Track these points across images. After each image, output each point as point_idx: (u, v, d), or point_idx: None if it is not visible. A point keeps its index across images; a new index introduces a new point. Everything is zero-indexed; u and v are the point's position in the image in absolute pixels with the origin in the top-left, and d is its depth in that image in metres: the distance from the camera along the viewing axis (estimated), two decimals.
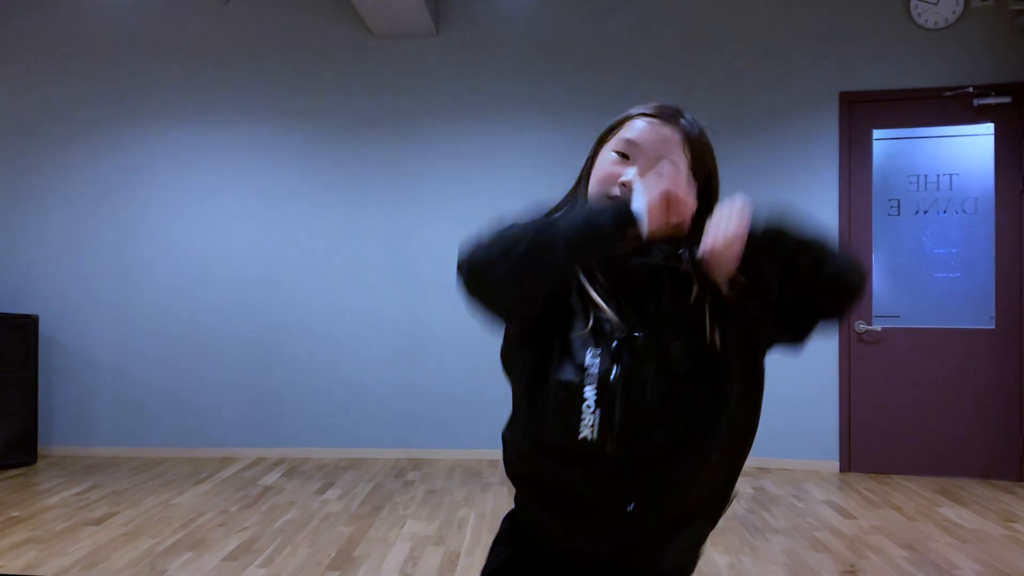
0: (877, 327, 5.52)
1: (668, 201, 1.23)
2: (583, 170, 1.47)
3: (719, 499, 1.42)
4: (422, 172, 5.83)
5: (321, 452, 5.86)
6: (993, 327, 5.39)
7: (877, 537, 4.16)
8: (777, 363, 5.10)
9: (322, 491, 4.98)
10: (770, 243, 1.25)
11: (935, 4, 5.45)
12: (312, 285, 5.91)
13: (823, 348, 5.56)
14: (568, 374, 1.29)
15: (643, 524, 1.32)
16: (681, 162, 1.38)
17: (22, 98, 6.06)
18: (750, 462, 5.46)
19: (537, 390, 1.33)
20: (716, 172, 1.45)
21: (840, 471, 5.56)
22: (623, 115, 1.44)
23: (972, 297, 5.45)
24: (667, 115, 1.41)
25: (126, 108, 6.02)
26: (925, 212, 5.52)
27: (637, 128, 1.40)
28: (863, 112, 5.58)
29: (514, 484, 1.46)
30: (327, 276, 5.91)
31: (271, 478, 5.30)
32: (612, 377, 1.27)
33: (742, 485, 5.03)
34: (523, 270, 1.24)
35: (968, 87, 5.39)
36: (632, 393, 1.28)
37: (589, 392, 1.28)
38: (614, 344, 1.29)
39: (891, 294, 5.58)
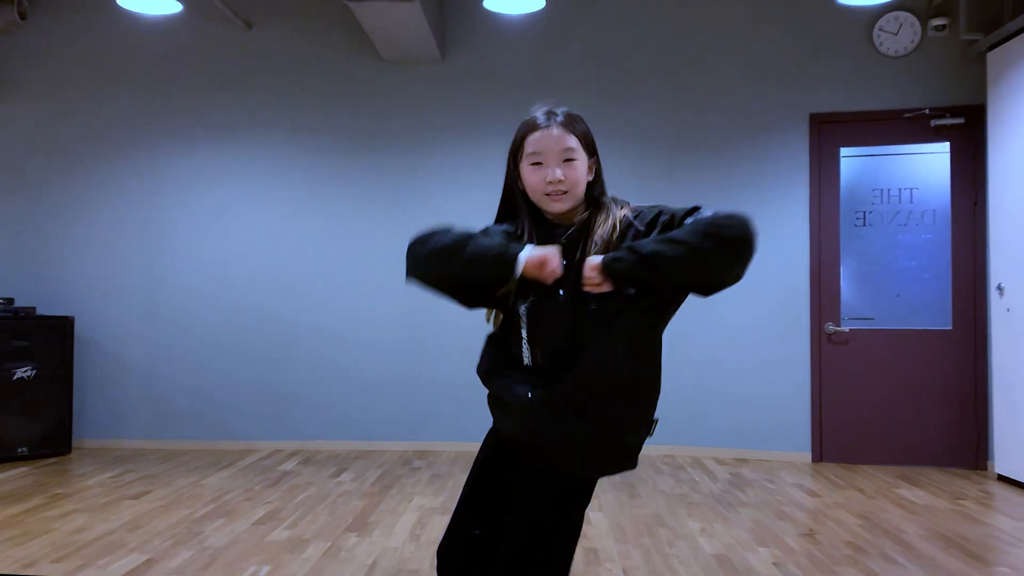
0: (845, 328, 6.01)
1: (543, 266, 1.82)
2: (506, 182, 2.05)
3: (621, 397, 1.89)
4: (426, 187, 6.34)
5: (333, 444, 6.34)
6: (951, 328, 5.88)
7: (838, 511, 4.63)
8: (754, 364, 5.71)
9: (336, 475, 5.45)
10: (644, 277, 1.81)
11: (895, 34, 5.98)
12: (324, 290, 6.41)
13: (796, 348, 6.05)
14: (513, 321, 1.93)
15: (545, 409, 1.85)
16: (576, 146, 1.92)
17: (59, 117, 6.59)
18: (730, 453, 5.97)
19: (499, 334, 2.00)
20: (591, 135, 2.02)
21: (812, 461, 6.03)
22: (518, 134, 1.99)
23: (931, 301, 5.94)
24: (548, 119, 1.95)
25: (154, 126, 6.55)
26: (888, 223, 6.03)
27: (535, 141, 1.93)
28: (831, 131, 6.11)
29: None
30: (338, 282, 6.41)
31: (289, 465, 5.77)
32: (536, 320, 1.89)
33: (720, 472, 5.53)
34: (436, 266, 1.89)
35: (925, 109, 5.91)
36: (548, 328, 1.88)
37: (524, 333, 1.92)
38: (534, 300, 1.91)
39: (858, 298, 6.07)
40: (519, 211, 2.01)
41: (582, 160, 1.94)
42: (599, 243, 1.88)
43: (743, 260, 1.82)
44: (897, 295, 6.02)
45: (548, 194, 1.91)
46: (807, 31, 6.15)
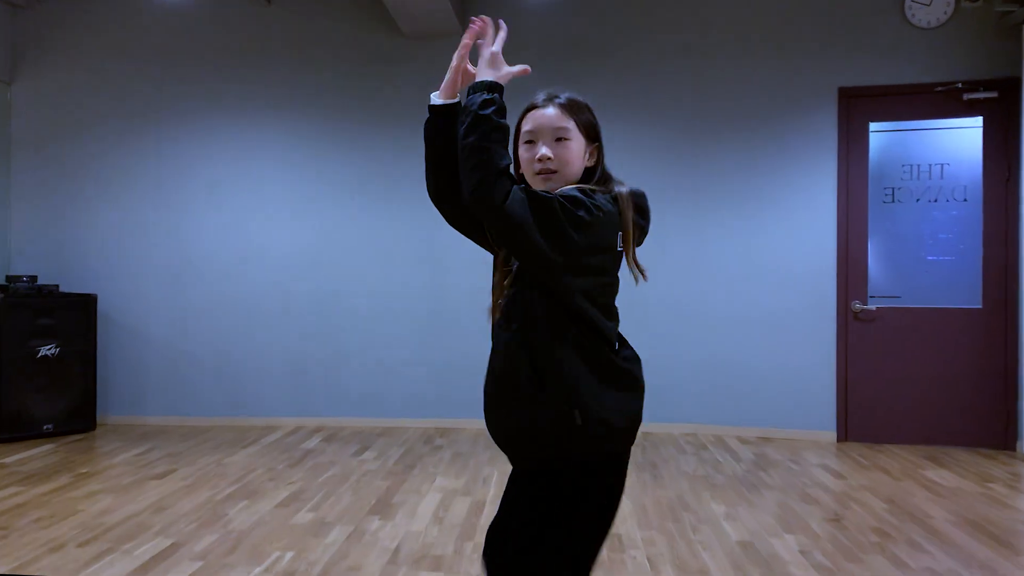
0: (872, 307, 5.92)
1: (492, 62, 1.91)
2: (514, 162, 1.97)
3: (514, 387, 1.83)
4: None
5: (356, 421, 6.35)
6: (980, 306, 5.78)
7: (863, 493, 4.59)
8: (779, 342, 5.64)
9: (359, 453, 5.46)
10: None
11: (928, 4, 5.83)
12: (348, 269, 6.38)
13: (821, 326, 5.97)
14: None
15: (487, 382, 1.89)
16: (571, 127, 1.87)
17: (79, 94, 6.56)
18: (753, 432, 5.93)
19: None
20: (595, 118, 1.95)
21: (837, 440, 5.98)
22: (520, 115, 1.94)
23: (961, 279, 5.84)
24: (547, 101, 1.91)
25: (175, 103, 6.51)
26: (918, 200, 5.91)
27: (530, 119, 1.90)
28: (860, 106, 5.98)
29: None
30: (361, 260, 6.38)
31: (312, 443, 5.78)
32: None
33: (744, 452, 5.49)
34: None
35: (958, 83, 5.77)
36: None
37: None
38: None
39: (886, 276, 5.98)
40: None
41: (577, 142, 1.88)
42: None
43: (475, 186, 1.72)
44: (926, 273, 5.92)
45: (537, 172, 1.87)
46: (836, 2, 6.00)
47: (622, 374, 1.85)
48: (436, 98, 1.95)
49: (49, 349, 5.96)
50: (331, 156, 6.42)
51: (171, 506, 4.25)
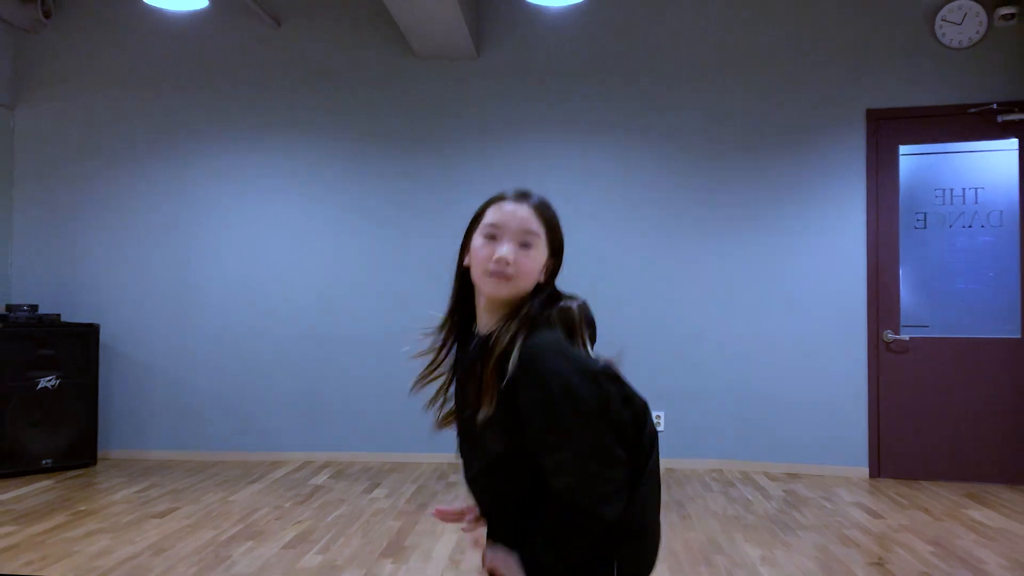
0: (905, 337, 5.68)
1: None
2: (461, 248, 1.72)
3: (505, 511, 1.62)
4: (461, 190, 6.08)
5: (366, 456, 6.10)
6: (1019, 336, 5.53)
7: (905, 535, 4.32)
8: (808, 373, 5.39)
9: (369, 490, 5.21)
10: None
11: (959, 24, 5.64)
12: (358, 298, 6.17)
13: (852, 358, 5.72)
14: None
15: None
16: (541, 234, 1.62)
17: (84, 119, 6.40)
18: (781, 468, 5.67)
19: None
20: (561, 234, 1.68)
21: (870, 477, 5.70)
22: (485, 203, 1.68)
23: (997, 307, 5.60)
24: (520, 197, 1.64)
25: (181, 127, 6.34)
26: (951, 226, 5.69)
27: (499, 212, 1.62)
28: (890, 129, 5.77)
29: None
30: (371, 289, 6.16)
31: (320, 479, 5.54)
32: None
33: (773, 489, 5.22)
34: None
35: (992, 104, 5.56)
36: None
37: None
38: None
39: (918, 305, 5.74)
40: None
41: (540, 253, 1.62)
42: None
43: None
44: (961, 302, 5.67)
45: (491, 273, 1.59)
46: (864, 21, 5.82)
47: None
48: None
49: (49, 381, 5.74)
50: (340, 182, 6.23)
51: (171, 547, 4.00)
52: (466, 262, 1.67)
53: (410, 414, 6.05)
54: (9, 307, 5.91)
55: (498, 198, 1.66)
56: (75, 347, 5.92)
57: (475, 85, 6.18)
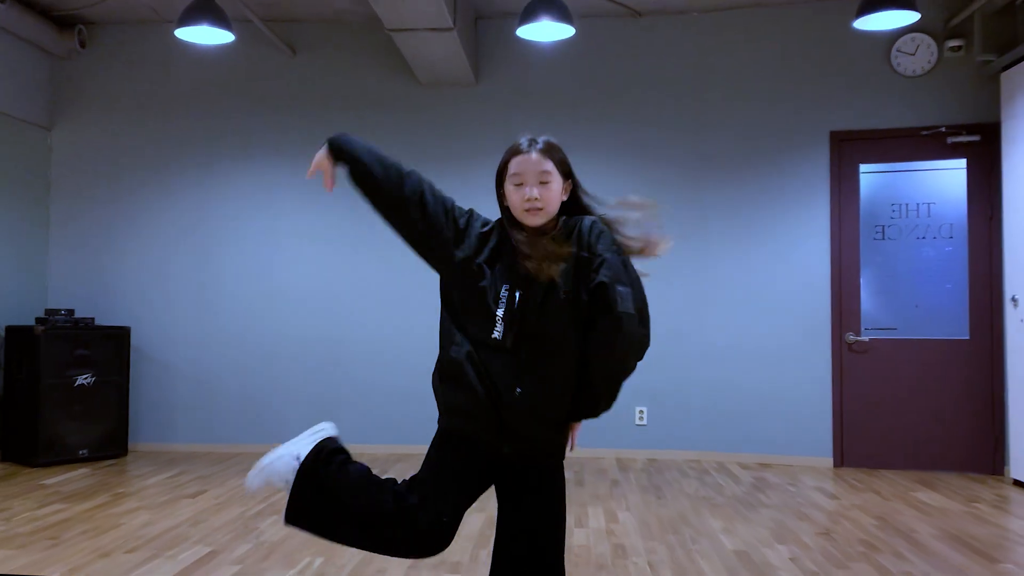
0: (865, 338, 6.24)
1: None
2: (497, 191, 2.33)
3: (565, 391, 2.19)
4: (462, 204, 6.64)
5: (373, 448, 6.65)
6: (968, 337, 6.09)
7: (854, 512, 4.87)
8: (777, 371, 6.01)
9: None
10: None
11: (913, 54, 6.22)
12: (366, 303, 6.75)
13: (818, 357, 6.29)
14: (490, 301, 2.17)
15: (525, 401, 2.14)
16: (552, 169, 2.22)
17: (115, 140, 6.99)
18: (753, 458, 6.23)
19: (469, 311, 2.22)
20: (567, 162, 2.30)
21: (834, 466, 6.26)
22: (504, 158, 2.29)
23: (948, 311, 6.16)
24: (528, 145, 2.25)
25: (205, 149, 6.93)
26: (907, 237, 6.26)
27: (516, 163, 2.24)
28: (851, 149, 6.35)
29: (440, 396, 2.32)
30: (378, 295, 6.74)
31: None
32: (515, 303, 2.15)
33: (744, 476, 5.78)
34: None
35: (942, 127, 6.14)
36: (525, 314, 2.14)
37: (500, 311, 2.15)
38: (516, 289, 2.16)
39: (878, 309, 6.30)
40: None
41: (556, 182, 2.24)
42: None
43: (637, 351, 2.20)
44: (916, 306, 6.24)
45: (527, 210, 2.21)
46: (827, 52, 6.40)
47: None
48: None
49: (85, 378, 6.30)
50: (352, 198, 6.78)
51: (206, 520, 4.56)
52: (505, 203, 2.28)
53: (413, 409, 6.61)
54: (48, 311, 6.48)
55: (515, 151, 2.28)
56: (108, 348, 6.49)
57: (474, 109, 6.77)
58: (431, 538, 2.15)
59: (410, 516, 2.13)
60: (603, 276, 2.10)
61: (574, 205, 2.31)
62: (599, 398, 2.20)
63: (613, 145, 6.54)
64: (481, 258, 2.22)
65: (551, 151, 2.25)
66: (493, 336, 2.13)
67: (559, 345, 2.14)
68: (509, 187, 2.25)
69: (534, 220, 2.21)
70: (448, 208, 2.30)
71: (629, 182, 6.52)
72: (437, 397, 2.29)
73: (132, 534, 4.27)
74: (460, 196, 2.42)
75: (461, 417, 2.18)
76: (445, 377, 2.23)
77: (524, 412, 2.11)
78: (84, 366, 6.33)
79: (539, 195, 2.19)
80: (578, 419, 2.25)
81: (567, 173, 2.29)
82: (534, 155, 2.23)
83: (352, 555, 3.90)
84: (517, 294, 2.14)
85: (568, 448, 2.28)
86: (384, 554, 2.25)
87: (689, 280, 6.49)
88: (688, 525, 4.52)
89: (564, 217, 2.27)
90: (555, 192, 2.23)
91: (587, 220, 2.22)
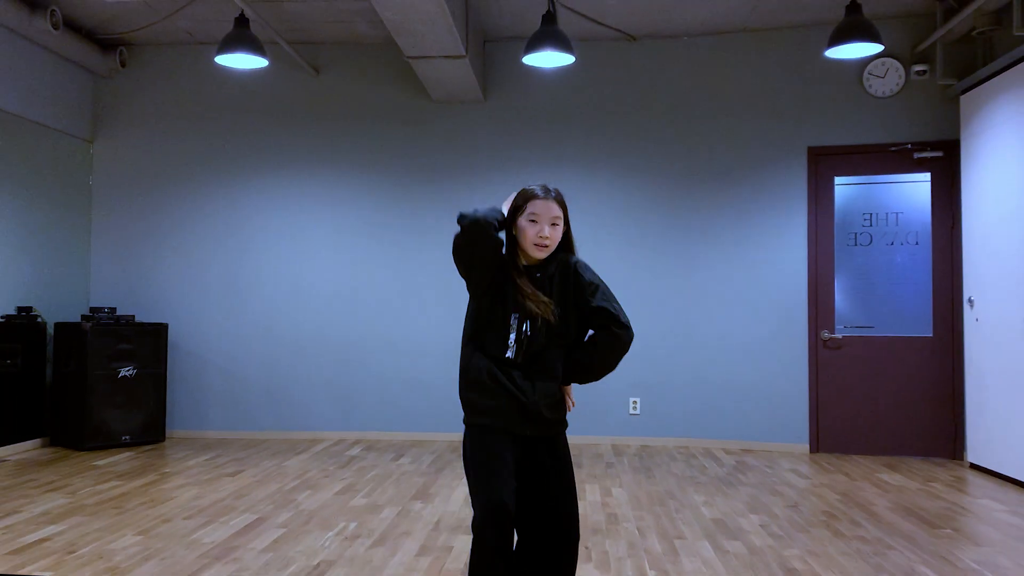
0: (839, 335, 6.85)
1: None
2: (508, 222, 2.85)
3: (558, 380, 2.80)
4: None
5: (391, 435, 7.28)
6: (931, 335, 6.70)
7: (822, 489, 5.49)
8: (758, 365, 6.73)
9: (396, 459, 6.38)
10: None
11: (883, 77, 6.82)
12: (382, 302, 7.37)
13: (795, 353, 6.91)
14: (503, 327, 2.76)
15: (533, 392, 2.74)
16: (560, 215, 2.79)
17: (153, 151, 7.61)
18: (736, 444, 6.86)
19: (486, 330, 2.79)
20: (567, 211, 2.85)
21: (810, 452, 6.87)
22: (525, 197, 2.81)
23: (914, 311, 6.77)
24: (547, 193, 2.80)
25: (235, 160, 7.55)
26: (877, 243, 6.86)
27: (536, 205, 2.78)
28: (827, 163, 6.96)
29: (470, 402, 2.82)
30: (394, 295, 7.36)
31: (354, 452, 6.71)
32: (523, 331, 2.75)
33: (727, 460, 6.38)
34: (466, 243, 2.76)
35: (908, 144, 6.76)
36: (529, 338, 2.75)
37: (512, 337, 2.75)
38: (525, 320, 2.76)
39: (850, 309, 6.91)
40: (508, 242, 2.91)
41: (561, 226, 2.82)
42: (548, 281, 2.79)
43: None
44: (885, 306, 6.85)
45: (536, 244, 2.77)
46: (805, 75, 7.01)
47: None
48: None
49: (128, 370, 6.92)
50: (370, 205, 7.43)
51: (248, 494, 5.18)
52: (515, 232, 2.81)
53: (428, 400, 7.23)
54: (92, 309, 7.09)
55: (534, 195, 2.80)
56: (148, 343, 7.10)
57: (482, 124, 7.39)
58: (500, 511, 2.64)
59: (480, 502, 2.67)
60: (600, 301, 2.74)
61: (563, 241, 2.86)
62: (593, 377, 2.83)
63: (609, 157, 7.15)
64: (497, 287, 2.78)
65: (561, 201, 2.82)
66: (507, 356, 2.73)
67: (554, 353, 2.76)
68: (524, 222, 2.79)
69: (541, 253, 2.77)
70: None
71: (623, 192, 7.13)
72: (465, 403, 2.80)
73: (186, 505, 4.89)
74: (467, 202, 2.96)
75: (492, 415, 2.73)
76: (473, 387, 2.77)
77: (537, 404, 2.72)
78: (126, 359, 6.94)
79: (549, 234, 2.75)
80: (568, 383, 2.84)
81: (567, 220, 2.85)
82: (551, 202, 2.78)
83: (380, 522, 4.52)
84: (526, 325, 2.73)
85: (569, 408, 2.85)
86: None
87: (679, 283, 7.10)
88: (673, 499, 5.14)
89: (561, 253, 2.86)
90: (560, 233, 2.80)
91: (572, 258, 2.82)
